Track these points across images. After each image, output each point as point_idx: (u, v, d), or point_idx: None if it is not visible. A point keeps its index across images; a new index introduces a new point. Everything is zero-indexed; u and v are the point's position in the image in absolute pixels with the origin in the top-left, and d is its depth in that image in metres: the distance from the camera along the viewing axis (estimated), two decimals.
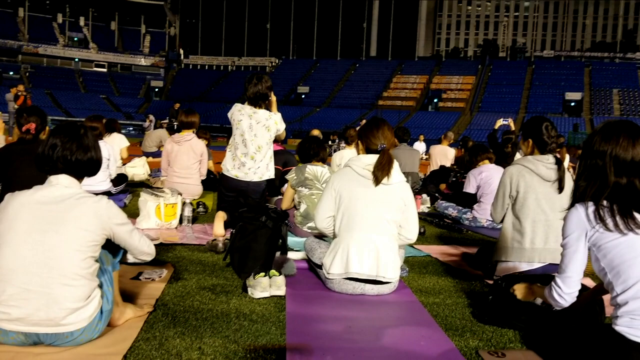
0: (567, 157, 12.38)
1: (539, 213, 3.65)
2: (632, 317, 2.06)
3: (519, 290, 2.73)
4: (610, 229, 2.15)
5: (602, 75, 65.45)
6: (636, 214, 2.16)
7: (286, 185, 6.00)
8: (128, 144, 8.73)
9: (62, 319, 2.28)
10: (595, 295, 2.70)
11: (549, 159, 3.71)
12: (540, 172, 3.67)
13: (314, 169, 4.94)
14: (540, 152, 3.76)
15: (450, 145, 11.77)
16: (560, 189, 3.65)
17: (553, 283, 2.36)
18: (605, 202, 2.20)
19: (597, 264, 2.23)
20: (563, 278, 2.31)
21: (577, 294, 2.33)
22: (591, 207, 2.22)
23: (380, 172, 3.38)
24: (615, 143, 2.22)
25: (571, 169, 11.31)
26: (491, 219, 6.05)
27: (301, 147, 5.23)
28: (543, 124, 3.75)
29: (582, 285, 2.41)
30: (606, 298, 2.52)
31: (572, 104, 58.78)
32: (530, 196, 3.67)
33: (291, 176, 4.98)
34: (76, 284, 2.30)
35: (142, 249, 2.62)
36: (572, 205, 2.31)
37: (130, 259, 2.70)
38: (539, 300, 2.70)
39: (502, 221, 3.86)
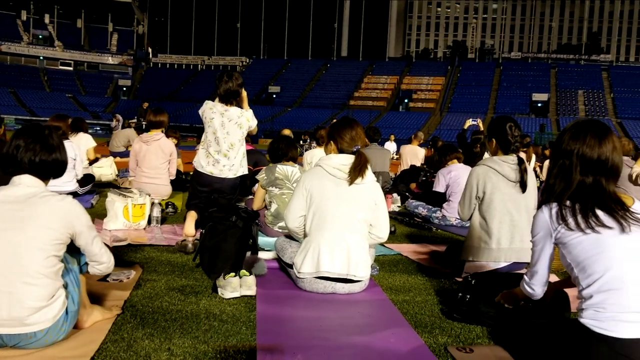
0: (534, 156, 12.60)
1: (504, 214, 3.71)
2: (596, 309, 2.11)
3: (506, 298, 2.81)
4: (572, 228, 2.20)
5: (568, 76, 66.85)
6: (599, 212, 2.20)
7: (257, 185, 5.98)
8: (95, 144, 8.57)
9: (25, 318, 2.24)
10: (560, 287, 2.80)
11: (513, 159, 3.77)
12: (505, 173, 3.73)
13: (284, 169, 4.93)
14: (504, 152, 3.83)
15: (420, 145, 11.86)
16: (523, 189, 3.71)
17: (524, 276, 2.53)
18: (568, 202, 2.25)
19: (564, 259, 2.29)
20: (532, 272, 2.46)
21: (545, 285, 2.47)
22: (555, 208, 2.27)
23: (357, 174, 3.39)
24: (582, 142, 2.25)
25: (538, 169, 11.51)
26: (459, 217, 6.14)
27: (271, 147, 5.23)
28: (507, 124, 3.81)
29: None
30: (572, 293, 2.58)
31: (539, 104, 59.90)
32: (496, 197, 3.73)
33: (261, 176, 4.97)
34: (39, 283, 2.26)
35: (101, 258, 2.54)
36: (539, 205, 2.35)
37: (91, 271, 2.60)
38: None
39: (469, 219, 3.91)
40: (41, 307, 2.27)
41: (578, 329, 2.15)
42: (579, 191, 2.25)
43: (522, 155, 3.95)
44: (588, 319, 2.13)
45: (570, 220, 2.21)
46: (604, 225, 2.17)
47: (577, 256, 2.21)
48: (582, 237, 2.19)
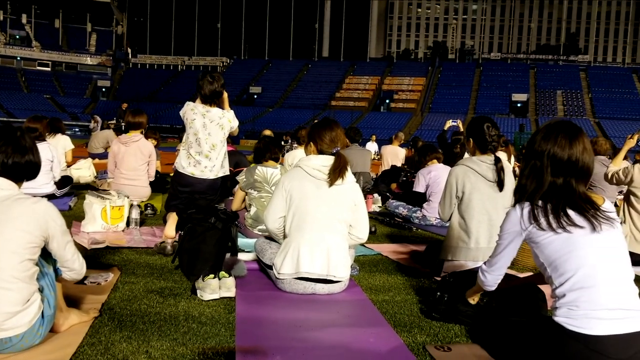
0: (513, 156, 12.71)
1: (483, 213, 3.75)
2: (569, 307, 2.15)
3: (469, 294, 2.89)
4: (543, 228, 2.24)
5: (547, 77, 67.63)
6: (570, 212, 2.24)
7: (237, 186, 5.96)
8: (72, 146, 8.47)
9: (1, 323, 2.21)
10: (532, 282, 2.86)
11: (490, 158, 3.80)
12: (484, 173, 3.76)
13: (263, 171, 4.91)
14: (481, 152, 3.86)
15: (401, 146, 11.92)
16: (500, 187, 3.75)
17: (482, 264, 2.62)
18: (540, 202, 2.28)
19: (537, 259, 2.33)
20: (491, 262, 2.54)
21: (499, 278, 2.56)
22: (527, 207, 2.31)
23: (336, 175, 3.40)
24: (553, 143, 2.30)
25: (517, 168, 11.62)
26: (439, 217, 6.19)
27: (256, 147, 5.24)
28: (484, 124, 3.84)
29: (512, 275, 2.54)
30: (548, 291, 2.61)
31: (519, 105, 60.50)
32: (474, 197, 3.76)
33: (241, 178, 4.96)
34: (13, 287, 2.23)
35: (73, 265, 2.50)
36: (513, 205, 2.40)
37: (63, 276, 2.55)
38: None
39: (450, 219, 3.94)
40: (17, 312, 2.24)
41: (552, 327, 2.19)
42: (551, 191, 2.29)
43: (502, 154, 3.99)
44: (562, 317, 2.16)
45: (542, 220, 2.24)
46: (575, 225, 2.21)
47: (549, 256, 2.25)
48: (553, 237, 2.23)
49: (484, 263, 2.60)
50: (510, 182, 3.86)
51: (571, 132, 2.32)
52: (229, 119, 4.94)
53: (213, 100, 4.89)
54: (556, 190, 2.28)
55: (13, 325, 2.23)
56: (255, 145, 5.26)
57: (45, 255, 2.45)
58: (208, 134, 4.86)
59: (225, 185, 5.92)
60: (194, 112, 4.87)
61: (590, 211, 2.24)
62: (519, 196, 2.38)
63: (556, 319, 2.19)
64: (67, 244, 2.45)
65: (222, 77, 5.04)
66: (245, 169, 5.11)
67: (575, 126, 2.37)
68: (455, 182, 3.83)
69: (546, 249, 2.26)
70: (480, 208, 3.75)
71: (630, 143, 5.13)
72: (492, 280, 2.56)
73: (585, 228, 2.21)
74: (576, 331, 2.11)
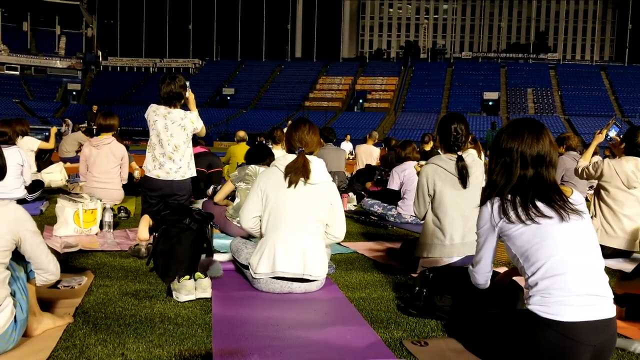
0: (483, 153, 12.85)
1: (455, 210, 3.79)
2: (542, 295, 2.21)
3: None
4: (513, 221, 2.32)
5: (517, 75, 68.47)
6: (539, 203, 2.31)
7: (211, 187, 5.95)
8: (39, 142, 8.43)
9: None
10: (510, 276, 2.91)
11: (454, 156, 3.86)
12: (452, 170, 3.81)
13: (255, 168, 5.06)
14: (446, 150, 3.91)
15: (375, 145, 11.99)
16: (463, 185, 3.79)
17: (470, 266, 2.68)
18: (509, 196, 2.36)
19: (509, 252, 2.37)
20: (475, 262, 2.60)
21: (489, 275, 2.61)
22: (497, 202, 2.38)
23: (294, 174, 3.40)
24: (520, 140, 2.38)
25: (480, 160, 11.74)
26: (415, 215, 6.23)
27: (250, 152, 5.44)
28: (451, 124, 3.89)
29: (495, 271, 2.56)
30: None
31: (490, 103, 61.17)
32: (445, 194, 3.81)
33: (233, 173, 5.04)
34: None
35: (48, 266, 2.47)
36: (483, 201, 2.45)
37: (38, 281, 2.52)
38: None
39: (424, 217, 3.97)
40: None
41: (526, 316, 2.23)
42: (520, 184, 2.35)
43: (472, 151, 4.04)
44: (535, 305, 2.21)
45: (512, 214, 2.31)
46: (543, 216, 2.28)
47: (521, 247, 2.31)
48: (523, 228, 2.30)
49: (470, 264, 2.67)
50: (480, 178, 3.91)
51: (536, 129, 2.40)
52: (191, 120, 4.92)
53: (173, 101, 4.87)
54: (526, 182, 2.35)
55: None
56: (249, 150, 5.45)
57: (16, 259, 2.41)
58: (170, 135, 4.85)
59: (197, 187, 5.89)
60: (155, 114, 4.86)
61: (559, 202, 2.30)
62: (489, 192, 2.44)
63: (529, 307, 2.24)
64: (39, 245, 2.42)
65: (183, 79, 5.03)
66: (239, 167, 5.18)
67: (538, 122, 2.46)
68: (425, 181, 3.87)
69: (517, 240, 2.32)
70: (451, 204, 3.79)
71: (599, 138, 5.22)
72: (481, 279, 2.61)
73: (554, 218, 2.28)
74: (549, 318, 2.16)
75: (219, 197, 5.17)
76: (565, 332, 2.13)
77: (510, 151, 2.39)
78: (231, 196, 5.25)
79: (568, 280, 2.20)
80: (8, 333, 2.27)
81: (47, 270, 2.48)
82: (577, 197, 2.38)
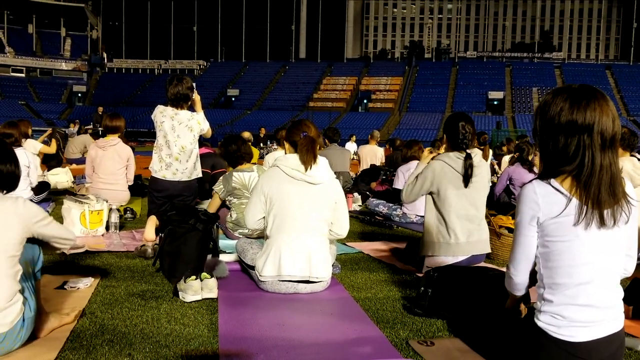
0: (491, 152, 12.84)
1: (460, 208, 3.79)
2: (553, 316, 2.05)
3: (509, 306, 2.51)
4: (580, 219, 1.99)
5: (522, 74, 68.32)
6: (606, 209, 2.00)
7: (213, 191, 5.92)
8: (41, 146, 8.48)
9: None
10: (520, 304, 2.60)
11: (462, 155, 3.86)
12: (459, 169, 3.81)
13: (241, 177, 4.83)
14: (453, 149, 3.91)
15: (378, 145, 11.99)
16: (465, 183, 3.78)
17: (505, 268, 2.30)
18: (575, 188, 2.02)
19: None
20: (511, 260, 2.22)
21: (527, 278, 2.21)
22: (555, 192, 2.03)
23: (307, 155, 3.36)
24: (598, 114, 2.00)
25: (496, 166, 11.75)
26: (421, 215, 6.23)
27: (226, 152, 5.12)
28: (459, 122, 3.90)
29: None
30: None
31: (495, 102, 61.04)
32: (451, 193, 3.81)
33: (219, 187, 4.87)
34: (1, 284, 2.24)
35: (62, 235, 2.56)
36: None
37: (60, 246, 2.64)
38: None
39: (409, 200, 4.04)
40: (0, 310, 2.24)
41: (534, 331, 2.10)
42: (596, 176, 2.00)
43: (478, 151, 4.04)
44: (545, 324, 2.06)
45: (576, 214, 2.00)
46: (603, 224, 2.01)
47: (550, 255, 2.07)
48: (568, 238, 2.03)
49: (506, 265, 2.29)
50: (486, 178, 3.91)
51: (605, 99, 2.04)
52: (198, 121, 4.95)
53: (180, 102, 4.89)
54: (602, 174, 2.00)
55: None
56: (223, 148, 5.17)
57: (25, 258, 2.43)
58: (177, 136, 4.87)
59: (203, 188, 5.90)
60: (162, 115, 4.89)
61: (619, 204, 2.01)
62: (543, 174, 2.10)
63: (539, 324, 2.08)
64: (49, 225, 2.47)
65: (190, 80, 5.04)
66: (222, 177, 5.04)
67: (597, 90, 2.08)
68: (430, 177, 3.86)
69: (551, 246, 2.06)
70: (456, 203, 3.79)
71: None
72: (519, 283, 2.23)
73: (605, 225, 2.00)
74: (559, 338, 2.03)
75: (210, 211, 5.08)
76: (575, 351, 2.00)
77: (588, 128, 1.99)
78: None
79: (584, 303, 2.01)
80: (16, 330, 2.29)
81: (63, 239, 2.58)
82: (630, 190, 2.07)
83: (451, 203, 3.80)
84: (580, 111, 2.00)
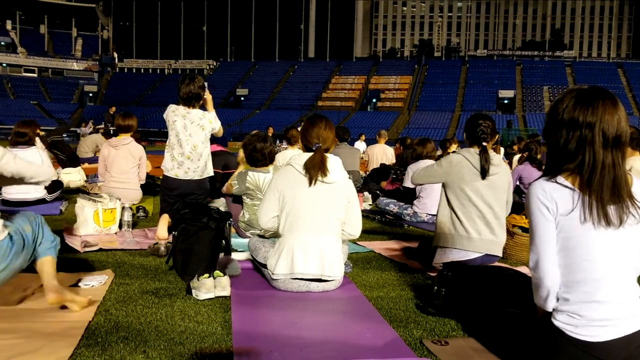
0: (502, 150, 12.80)
1: (473, 205, 3.78)
2: (570, 315, 2.03)
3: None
4: (586, 217, 2.00)
5: (533, 73, 68.03)
6: (610, 206, 2.00)
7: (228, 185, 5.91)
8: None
9: None
10: None
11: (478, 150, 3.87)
12: (477, 165, 3.80)
13: (255, 178, 4.77)
14: (473, 143, 3.94)
15: (386, 143, 11.99)
16: (483, 175, 3.78)
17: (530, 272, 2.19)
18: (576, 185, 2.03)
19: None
20: (531, 261, 2.14)
21: (557, 282, 2.08)
22: (564, 190, 2.04)
23: (313, 170, 3.38)
24: (600, 113, 2.02)
25: (507, 165, 11.71)
26: (432, 214, 6.22)
27: (245, 151, 4.98)
28: (479, 119, 3.95)
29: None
30: None
31: (505, 101, 60.84)
32: (464, 187, 3.80)
33: (233, 182, 4.88)
34: None
35: (38, 171, 2.82)
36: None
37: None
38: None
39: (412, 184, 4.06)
40: None
41: (550, 331, 2.08)
42: (598, 173, 2.00)
43: (492, 152, 4.03)
44: (562, 323, 2.04)
45: (583, 212, 2.00)
46: (609, 223, 2.00)
47: (568, 251, 2.04)
48: (583, 231, 2.01)
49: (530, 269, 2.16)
50: (505, 180, 3.90)
51: (612, 99, 2.05)
52: (209, 120, 4.97)
53: (192, 101, 4.92)
54: (604, 172, 2.00)
55: None
56: (244, 147, 5.05)
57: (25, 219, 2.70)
58: (189, 135, 4.90)
59: (214, 186, 5.91)
60: (175, 114, 4.92)
61: (626, 203, 2.00)
62: (547, 170, 2.12)
63: (556, 323, 2.06)
64: (14, 159, 2.72)
65: (202, 79, 5.06)
66: (237, 172, 5.03)
67: (608, 91, 2.09)
68: (446, 166, 3.88)
69: (568, 242, 2.04)
70: (470, 198, 3.79)
71: None
72: (544, 288, 2.09)
73: (611, 224, 1.99)
74: (576, 338, 2.01)
75: (225, 189, 5.00)
76: (593, 350, 1.98)
77: (590, 126, 2.01)
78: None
79: (600, 299, 1.99)
80: (3, 247, 2.53)
81: (40, 175, 2.82)
82: (637, 190, 2.05)
83: (465, 197, 3.80)
84: (583, 109, 2.03)
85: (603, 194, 1.99)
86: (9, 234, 2.61)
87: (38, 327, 2.64)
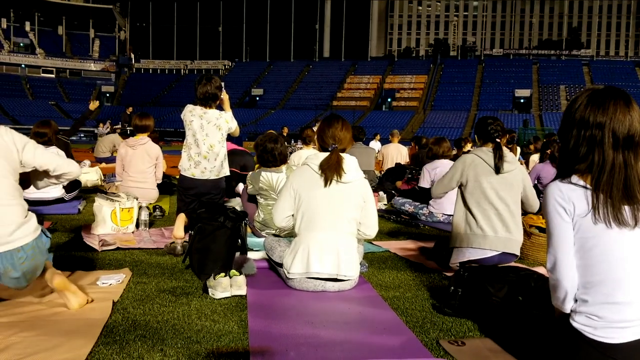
0: (518, 150, 12.71)
1: (488, 202, 3.77)
2: (588, 316, 2.00)
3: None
4: (598, 218, 1.98)
5: (550, 72, 67.44)
6: (625, 206, 1.98)
7: (241, 186, 5.93)
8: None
9: (11, 234, 2.65)
10: None
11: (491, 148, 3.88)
12: (491, 162, 3.80)
13: (268, 177, 4.81)
14: (485, 141, 3.96)
15: (401, 143, 12.00)
16: (497, 170, 3.77)
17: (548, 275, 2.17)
18: (589, 184, 2.02)
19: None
20: (549, 263, 2.13)
21: (574, 284, 2.05)
22: (577, 189, 2.02)
23: (329, 172, 3.38)
24: (610, 113, 2.01)
25: (523, 165, 11.63)
26: (447, 213, 6.20)
27: (257, 151, 5.02)
28: (488, 119, 4.01)
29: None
30: None
31: (522, 100, 60.38)
32: (480, 186, 3.79)
33: (248, 181, 4.92)
34: (14, 202, 2.71)
35: (64, 167, 2.99)
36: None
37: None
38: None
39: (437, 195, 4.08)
40: (22, 223, 2.70)
41: (569, 331, 2.05)
42: (608, 173, 1.99)
43: (507, 151, 4.02)
44: (580, 324, 2.01)
45: (598, 210, 1.98)
46: (623, 223, 1.97)
47: (586, 250, 2.02)
48: (602, 232, 1.99)
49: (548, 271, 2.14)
50: (519, 178, 3.88)
51: (626, 99, 2.03)
52: (226, 120, 4.99)
53: (209, 101, 4.95)
54: (615, 171, 1.98)
55: (22, 234, 2.67)
56: (257, 148, 5.05)
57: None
58: (206, 134, 4.92)
59: (229, 186, 5.94)
60: (192, 114, 4.95)
61: (638, 203, 1.97)
62: (560, 171, 2.10)
63: (575, 324, 2.03)
64: (36, 149, 2.88)
65: (219, 80, 5.08)
66: (250, 173, 5.06)
67: (623, 91, 2.07)
68: (461, 168, 3.89)
69: (586, 243, 2.01)
70: (486, 197, 3.78)
71: None
72: (561, 290, 2.07)
73: (625, 224, 1.97)
74: (596, 340, 1.97)
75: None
76: (612, 353, 1.95)
77: (600, 126, 1.99)
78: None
79: (619, 300, 1.95)
80: (43, 241, 2.76)
81: (62, 170, 2.98)
82: None
83: (480, 196, 3.79)
84: (593, 108, 2.02)
85: (613, 194, 1.96)
86: (42, 230, 2.81)
87: (56, 325, 2.67)
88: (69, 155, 10.75)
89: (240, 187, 6.74)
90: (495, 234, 3.75)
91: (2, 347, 2.36)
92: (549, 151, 7.38)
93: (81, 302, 2.91)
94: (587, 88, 2.15)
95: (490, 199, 3.77)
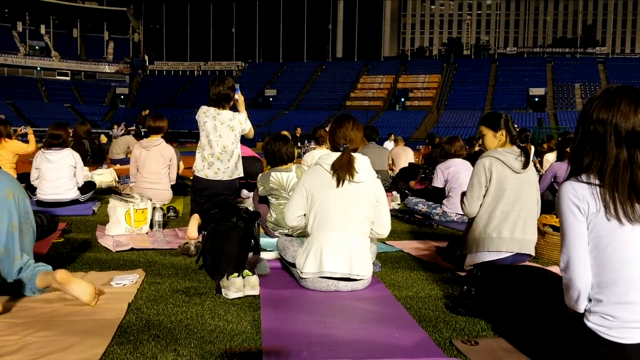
0: (532, 149, 12.63)
1: (506, 204, 3.73)
2: (603, 316, 1.98)
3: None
4: (609, 215, 1.96)
5: (564, 70, 66.86)
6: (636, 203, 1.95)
7: (245, 192, 5.94)
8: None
9: None
10: None
11: (515, 150, 3.82)
12: (510, 163, 3.76)
13: (278, 177, 4.84)
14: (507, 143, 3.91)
15: (414, 143, 11.99)
16: (524, 166, 3.75)
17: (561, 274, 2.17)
18: (596, 180, 2.00)
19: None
20: (562, 262, 2.11)
21: (587, 281, 2.03)
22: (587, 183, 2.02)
23: (341, 172, 3.38)
24: (615, 110, 2.00)
25: (538, 164, 11.54)
26: (461, 213, 6.16)
27: (265, 152, 5.08)
28: (501, 118, 3.95)
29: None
30: None
31: (536, 99, 59.91)
32: (499, 187, 3.75)
33: (259, 184, 4.94)
34: None
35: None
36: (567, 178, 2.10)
37: None
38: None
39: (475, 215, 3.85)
40: None
41: (583, 331, 2.03)
42: (613, 168, 1.98)
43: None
44: (594, 324, 1.99)
45: (610, 205, 1.97)
46: (634, 219, 1.95)
47: (598, 248, 2.01)
48: (615, 228, 1.97)
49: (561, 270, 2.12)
50: (532, 177, 3.85)
51: (637, 96, 2.01)
52: (239, 121, 5.00)
53: (222, 102, 4.96)
54: (619, 167, 1.97)
55: None
56: (265, 149, 5.12)
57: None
58: (219, 135, 4.94)
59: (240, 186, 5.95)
60: (205, 115, 4.98)
61: None
62: (572, 170, 2.09)
63: (589, 324, 2.01)
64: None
65: (232, 80, 5.10)
66: (260, 176, 5.07)
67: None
68: (484, 170, 3.80)
69: (599, 241, 2.00)
70: (503, 198, 3.73)
71: None
72: (574, 290, 2.06)
73: (630, 221, 1.95)
74: (611, 340, 1.95)
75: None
76: (627, 353, 1.93)
77: (602, 121, 2.00)
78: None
79: (634, 300, 1.93)
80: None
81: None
82: None
83: (498, 198, 3.74)
84: (599, 105, 2.02)
85: (618, 192, 1.95)
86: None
87: (70, 325, 2.69)
88: (97, 152, 10.86)
89: (244, 193, 6.76)
90: (511, 235, 3.71)
91: (18, 347, 2.39)
92: (568, 149, 7.32)
93: (90, 292, 2.95)
94: (603, 88, 2.14)
95: (510, 200, 3.73)
